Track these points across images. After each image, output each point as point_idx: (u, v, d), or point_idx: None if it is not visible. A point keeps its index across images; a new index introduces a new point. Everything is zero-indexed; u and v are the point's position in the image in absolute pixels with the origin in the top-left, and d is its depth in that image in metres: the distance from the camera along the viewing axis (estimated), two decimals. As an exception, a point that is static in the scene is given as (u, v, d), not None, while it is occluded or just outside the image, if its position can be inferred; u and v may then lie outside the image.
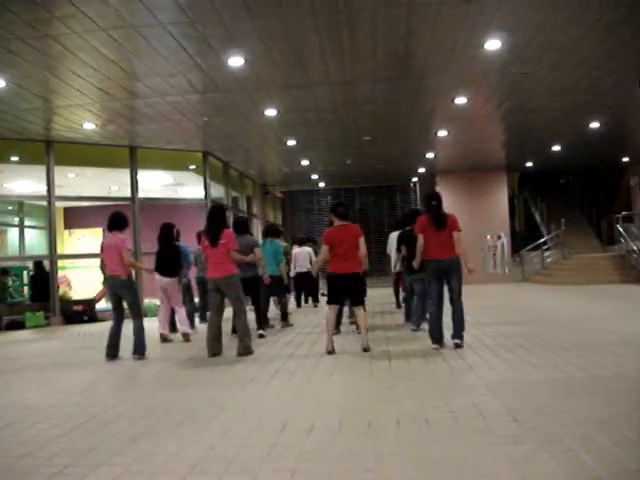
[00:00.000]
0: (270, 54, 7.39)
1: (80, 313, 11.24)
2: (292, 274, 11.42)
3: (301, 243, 11.96)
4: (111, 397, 4.51)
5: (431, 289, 6.11)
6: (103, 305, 13.58)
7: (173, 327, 8.26)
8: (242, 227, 7.64)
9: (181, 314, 7.84)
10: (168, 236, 7.80)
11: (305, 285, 12.10)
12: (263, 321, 7.82)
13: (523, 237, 18.48)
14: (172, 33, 6.51)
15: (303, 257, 11.61)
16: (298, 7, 6.09)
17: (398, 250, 8.00)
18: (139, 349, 6.29)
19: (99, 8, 5.78)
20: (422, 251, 6.06)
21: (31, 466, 2.96)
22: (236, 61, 7.45)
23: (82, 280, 16.73)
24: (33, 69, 7.33)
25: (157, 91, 8.50)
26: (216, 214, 6.47)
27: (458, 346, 5.87)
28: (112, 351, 6.31)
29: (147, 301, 11.89)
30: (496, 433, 3.11)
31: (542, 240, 17.35)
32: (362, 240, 6.06)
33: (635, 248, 14.83)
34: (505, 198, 17.65)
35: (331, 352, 5.96)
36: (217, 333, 6.22)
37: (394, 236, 8.97)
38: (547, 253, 17.05)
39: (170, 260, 7.66)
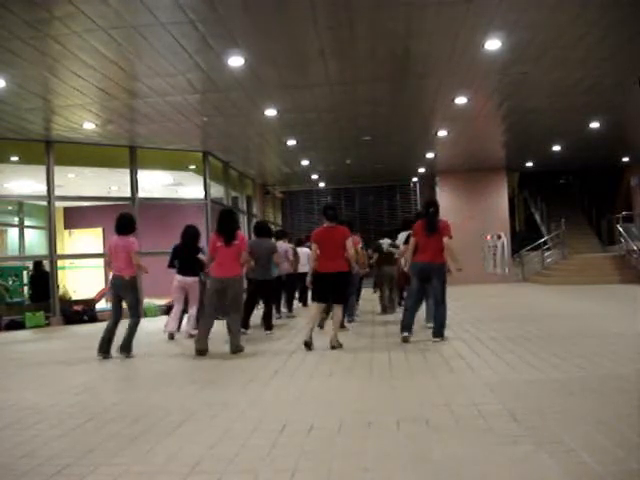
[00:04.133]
0: (270, 54, 7.38)
1: (80, 313, 11.23)
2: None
3: (299, 244, 11.94)
4: (111, 397, 4.51)
5: (412, 287, 6.68)
6: (103, 305, 13.56)
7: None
8: (264, 231, 8.00)
9: (193, 313, 8.02)
10: (192, 237, 8.05)
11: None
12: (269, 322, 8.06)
13: (523, 237, 18.48)
14: (172, 33, 6.50)
15: (302, 257, 11.58)
16: (298, 7, 6.09)
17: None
18: (126, 348, 6.42)
19: (99, 8, 5.78)
20: (412, 253, 6.57)
21: (31, 466, 2.96)
22: (236, 61, 7.44)
23: (82, 280, 16.77)
24: (33, 69, 7.32)
25: (157, 91, 8.50)
26: (230, 215, 6.64)
27: (435, 342, 6.37)
28: (105, 347, 6.39)
29: (147, 301, 11.89)
30: (496, 433, 3.11)
31: (542, 240, 17.35)
32: (349, 242, 6.34)
33: (635, 248, 14.82)
34: (505, 198, 17.65)
35: (308, 344, 6.16)
36: (206, 335, 6.30)
37: (402, 236, 9.13)
38: (547, 253, 17.05)
39: (193, 261, 7.86)
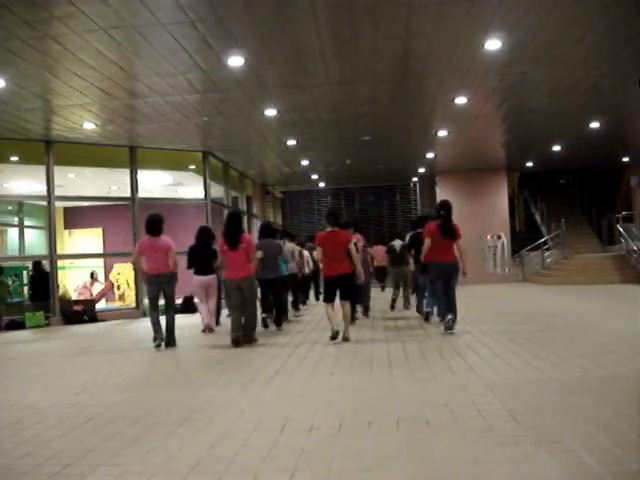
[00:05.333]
0: (270, 54, 7.39)
1: (80, 313, 11.23)
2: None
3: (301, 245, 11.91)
4: (111, 397, 4.51)
5: (437, 287, 6.86)
6: (103, 305, 13.57)
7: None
8: (269, 232, 8.35)
9: (212, 308, 8.55)
10: (206, 238, 8.42)
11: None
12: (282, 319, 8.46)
13: (523, 237, 18.48)
14: (172, 33, 6.51)
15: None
16: (298, 7, 6.09)
17: (409, 250, 8.64)
18: (172, 341, 6.99)
19: (99, 8, 5.78)
20: (426, 254, 6.80)
21: (31, 466, 2.96)
22: (236, 61, 7.45)
23: (82, 280, 16.74)
24: (33, 69, 7.33)
25: (157, 91, 8.50)
26: (235, 219, 7.00)
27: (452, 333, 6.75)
28: (160, 337, 6.85)
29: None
30: (496, 433, 3.11)
31: (542, 240, 17.35)
32: (352, 245, 6.70)
33: (635, 248, 14.82)
34: (505, 198, 17.66)
35: (334, 337, 6.53)
36: (240, 327, 6.77)
37: (408, 238, 9.24)
38: (547, 253, 17.04)
39: (209, 260, 8.19)
